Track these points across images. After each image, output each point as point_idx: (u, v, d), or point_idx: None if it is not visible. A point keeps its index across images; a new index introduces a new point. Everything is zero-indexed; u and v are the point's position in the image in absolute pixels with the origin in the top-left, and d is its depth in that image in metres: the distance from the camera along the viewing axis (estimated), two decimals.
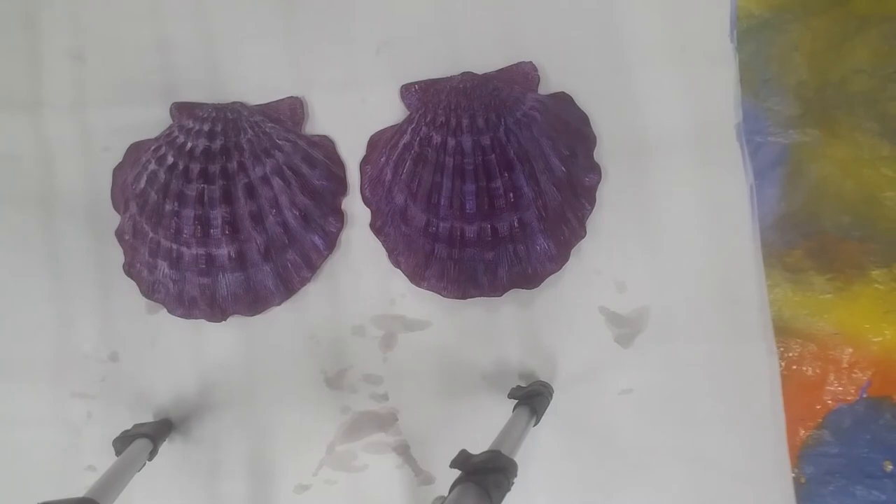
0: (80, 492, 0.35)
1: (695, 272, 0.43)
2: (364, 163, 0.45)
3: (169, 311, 0.45)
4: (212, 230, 0.42)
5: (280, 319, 0.45)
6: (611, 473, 0.44)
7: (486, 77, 0.42)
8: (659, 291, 0.43)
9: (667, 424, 0.44)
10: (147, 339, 0.46)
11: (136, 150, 0.45)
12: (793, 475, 0.43)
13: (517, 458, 0.34)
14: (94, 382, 0.47)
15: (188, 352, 0.46)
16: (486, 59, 0.43)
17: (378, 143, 0.44)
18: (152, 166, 0.42)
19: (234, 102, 0.45)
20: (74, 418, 0.47)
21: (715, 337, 0.43)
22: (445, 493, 0.31)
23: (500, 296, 0.43)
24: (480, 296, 0.43)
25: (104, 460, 0.43)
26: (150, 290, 0.44)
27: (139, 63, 0.45)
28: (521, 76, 0.42)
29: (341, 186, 0.45)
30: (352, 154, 0.45)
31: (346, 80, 0.46)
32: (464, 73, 0.42)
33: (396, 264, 0.44)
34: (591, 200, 0.43)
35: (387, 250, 0.44)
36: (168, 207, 0.42)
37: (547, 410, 0.42)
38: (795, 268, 0.42)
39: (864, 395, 0.42)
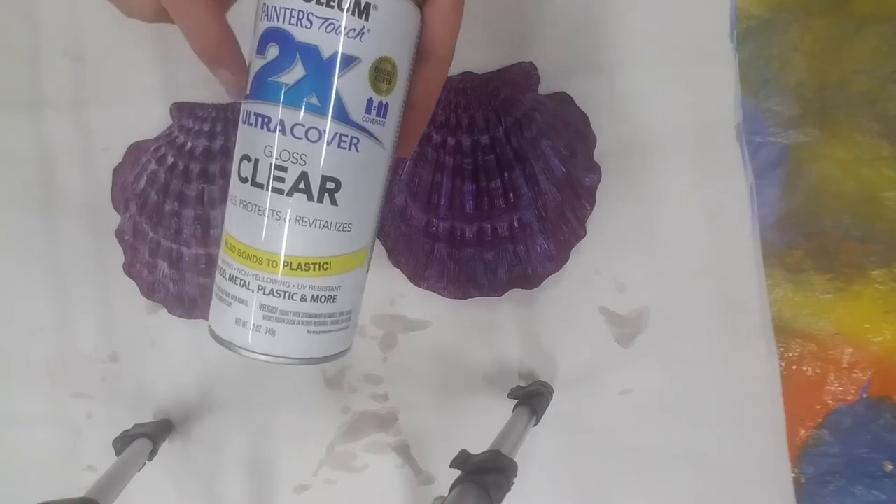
0: (80, 492, 0.35)
1: (695, 272, 0.43)
2: None
3: (169, 311, 0.45)
4: (212, 230, 0.42)
5: None
6: (611, 473, 0.44)
7: (486, 77, 0.42)
8: (659, 291, 0.43)
9: (667, 424, 0.44)
10: (147, 339, 0.46)
11: (136, 150, 0.45)
12: (793, 475, 0.43)
13: (517, 458, 0.34)
14: (94, 382, 0.47)
15: (188, 352, 0.46)
16: (486, 59, 0.43)
17: None
18: (152, 166, 0.42)
19: (235, 102, 0.45)
20: (74, 418, 0.47)
21: (715, 337, 0.43)
22: (445, 493, 0.31)
23: (500, 296, 0.43)
24: (480, 296, 0.43)
25: (104, 460, 0.43)
26: (150, 290, 0.44)
27: (139, 63, 0.45)
28: (521, 76, 0.42)
29: None
30: None
31: None
32: (464, 73, 0.42)
33: (396, 264, 0.44)
34: (591, 200, 0.43)
35: (387, 250, 0.44)
36: (168, 207, 0.42)
37: (547, 410, 0.42)
38: (795, 268, 0.42)
39: (864, 395, 0.42)
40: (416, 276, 0.43)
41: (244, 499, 0.46)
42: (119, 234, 0.45)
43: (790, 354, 0.43)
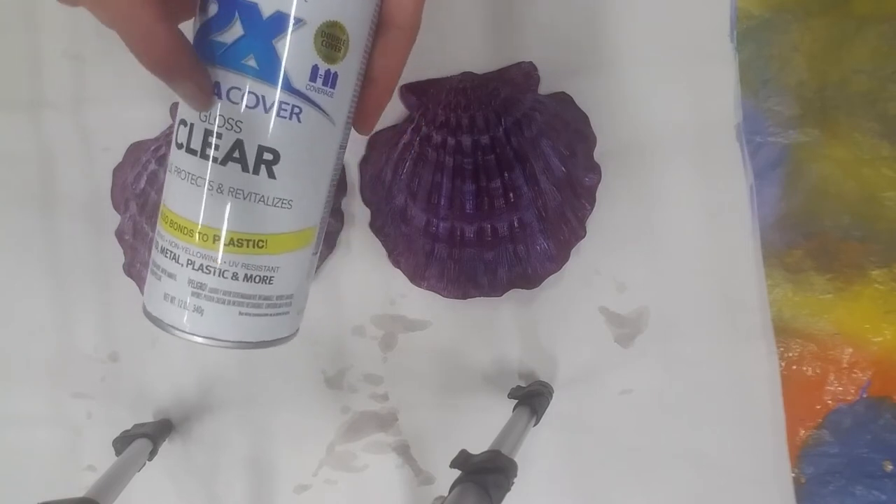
0: (80, 492, 0.35)
1: (695, 272, 0.43)
2: (364, 163, 0.45)
3: None
4: None
5: None
6: (611, 473, 0.44)
7: (486, 77, 0.42)
8: (659, 291, 0.43)
9: (667, 424, 0.44)
10: (147, 339, 0.46)
11: (136, 150, 0.45)
12: (793, 475, 0.43)
13: (517, 458, 0.34)
14: (94, 382, 0.47)
15: (188, 352, 0.46)
16: (486, 59, 0.43)
17: (378, 144, 0.44)
18: (152, 166, 0.42)
19: None
20: (74, 418, 0.47)
21: (715, 337, 0.43)
22: (445, 493, 0.31)
23: (500, 296, 0.43)
24: (480, 296, 0.43)
25: (104, 460, 0.43)
26: None
27: (139, 63, 0.45)
28: (521, 76, 0.42)
29: (341, 186, 0.45)
30: (352, 154, 0.45)
31: None
32: (463, 73, 0.42)
33: (396, 264, 0.44)
34: (591, 200, 0.43)
35: (387, 250, 0.44)
36: None
37: (547, 410, 0.42)
38: (795, 268, 0.42)
39: (864, 395, 0.42)
40: (416, 276, 0.43)
41: (244, 499, 0.46)
42: (119, 234, 0.45)
43: (790, 354, 0.43)
